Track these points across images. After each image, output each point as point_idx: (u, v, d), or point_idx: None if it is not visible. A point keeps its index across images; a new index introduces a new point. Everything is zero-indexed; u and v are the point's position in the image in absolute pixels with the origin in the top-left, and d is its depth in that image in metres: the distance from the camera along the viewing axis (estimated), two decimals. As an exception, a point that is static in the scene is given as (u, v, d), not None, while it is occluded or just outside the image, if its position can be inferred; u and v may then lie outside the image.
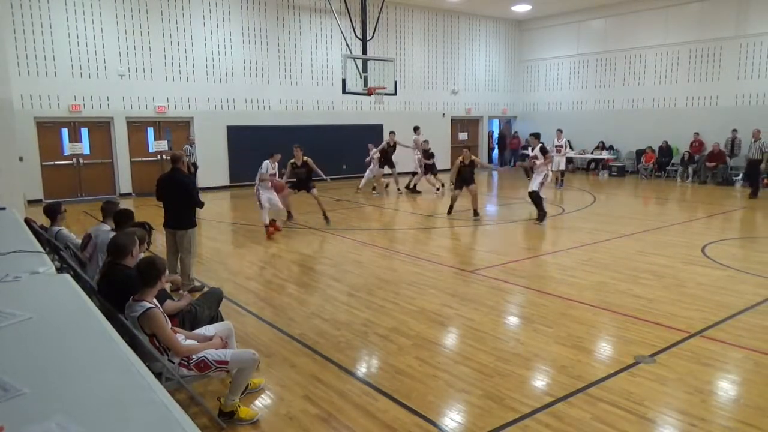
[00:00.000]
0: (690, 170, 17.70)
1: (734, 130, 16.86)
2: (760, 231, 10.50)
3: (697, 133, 17.98)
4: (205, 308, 4.40)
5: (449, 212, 11.62)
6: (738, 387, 4.21)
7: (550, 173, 11.25)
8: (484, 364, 4.55)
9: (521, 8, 20.71)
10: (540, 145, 10.94)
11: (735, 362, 4.60)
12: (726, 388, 4.21)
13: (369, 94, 14.98)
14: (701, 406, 3.86)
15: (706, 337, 5.10)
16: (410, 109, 20.54)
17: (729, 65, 17.37)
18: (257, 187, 10.07)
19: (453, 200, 11.63)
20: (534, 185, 10.75)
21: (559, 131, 16.41)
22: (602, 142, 20.69)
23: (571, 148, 21.54)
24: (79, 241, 5.82)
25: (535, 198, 10.73)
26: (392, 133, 15.71)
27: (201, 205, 6.77)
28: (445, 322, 5.60)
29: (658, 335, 5.12)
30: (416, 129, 15.99)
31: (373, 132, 18.43)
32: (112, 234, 4.69)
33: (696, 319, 5.52)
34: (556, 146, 15.84)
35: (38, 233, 5.53)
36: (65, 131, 14.66)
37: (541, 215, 10.71)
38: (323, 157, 17.72)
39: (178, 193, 6.60)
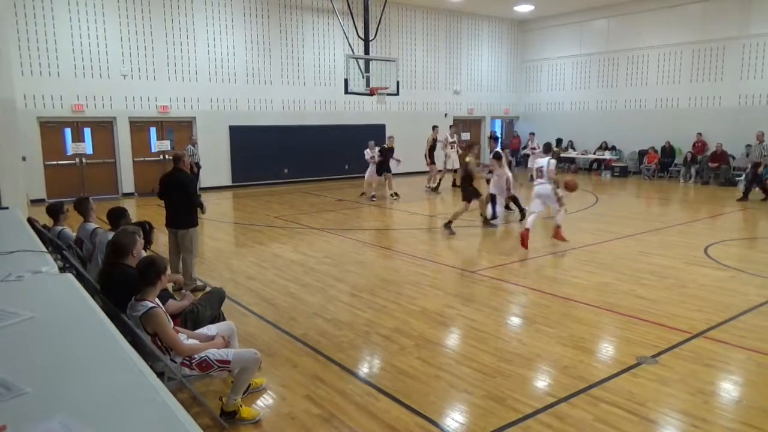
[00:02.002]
0: (693, 171, 17.66)
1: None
2: (763, 232, 10.48)
3: (699, 134, 17.93)
4: (207, 308, 4.41)
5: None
6: (740, 388, 4.20)
7: (510, 177, 10.71)
8: (486, 364, 4.55)
9: (524, 8, 20.68)
10: (496, 150, 10.86)
11: (737, 363, 4.60)
12: (728, 389, 4.20)
13: (371, 94, 14.99)
14: (703, 407, 3.85)
15: (709, 337, 5.09)
16: (412, 109, 20.53)
17: (732, 66, 17.33)
18: (553, 190, 8.67)
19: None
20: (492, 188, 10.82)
21: (532, 134, 17.12)
22: (605, 143, 20.65)
23: (573, 149, 21.62)
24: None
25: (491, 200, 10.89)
26: (435, 127, 16.13)
27: (201, 206, 6.78)
28: (447, 322, 5.60)
29: (661, 336, 5.12)
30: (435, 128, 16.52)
31: (376, 132, 18.43)
32: (109, 233, 4.71)
33: (698, 320, 5.51)
34: (531, 148, 16.74)
35: (41, 233, 5.54)
36: (68, 131, 14.67)
37: (488, 220, 10.64)
38: (326, 158, 17.86)
39: (177, 192, 6.63)
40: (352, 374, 4.43)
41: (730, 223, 11.33)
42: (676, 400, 3.95)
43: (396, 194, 14.46)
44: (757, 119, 16.56)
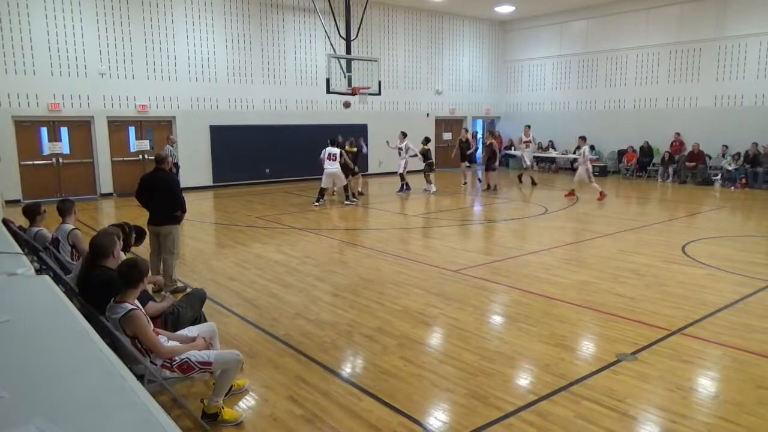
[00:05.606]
0: (670, 170, 17.95)
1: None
2: (739, 230, 10.68)
3: (677, 134, 18.24)
4: (188, 309, 4.36)
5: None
6: (717, 383, 4.28)
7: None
8: (468, 363, 4.57)
9: (504, 9, 20.82)
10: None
11: (714, 359, 4.68)
12: (706, 384, 4.28)
13: (353, 93, 14.96)
14: (682, 403, 3.91)
15: (687, 334, 5.17)
16: (394, 109, 20.56)
17: (708, 67, 17.64)
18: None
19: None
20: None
21: (402, 134, 15.70)
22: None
23: (553, 148, 21.82)
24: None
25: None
26: (466, 129, 17.79)
27: (184, 206, 6.69)
28: (430, 321, 5.62)
29: (640, 333, 5.19)
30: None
31: (358, 132, 18.38)
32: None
33: (676, 317, 5.60)
34: (398, 148, 15.55)
35: (17, 234, 5.45)
36: (44, 130, 14.41)
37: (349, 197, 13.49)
38: (306, 157, 17.76)
39: (162, 190, 6.55)
40: (334, 374, 4.42)
41: (706, 221, 11.53)
42: (655, 396, 4.00)
43: (360, 193, 14.69)
44: (732, 120, 16.92)
